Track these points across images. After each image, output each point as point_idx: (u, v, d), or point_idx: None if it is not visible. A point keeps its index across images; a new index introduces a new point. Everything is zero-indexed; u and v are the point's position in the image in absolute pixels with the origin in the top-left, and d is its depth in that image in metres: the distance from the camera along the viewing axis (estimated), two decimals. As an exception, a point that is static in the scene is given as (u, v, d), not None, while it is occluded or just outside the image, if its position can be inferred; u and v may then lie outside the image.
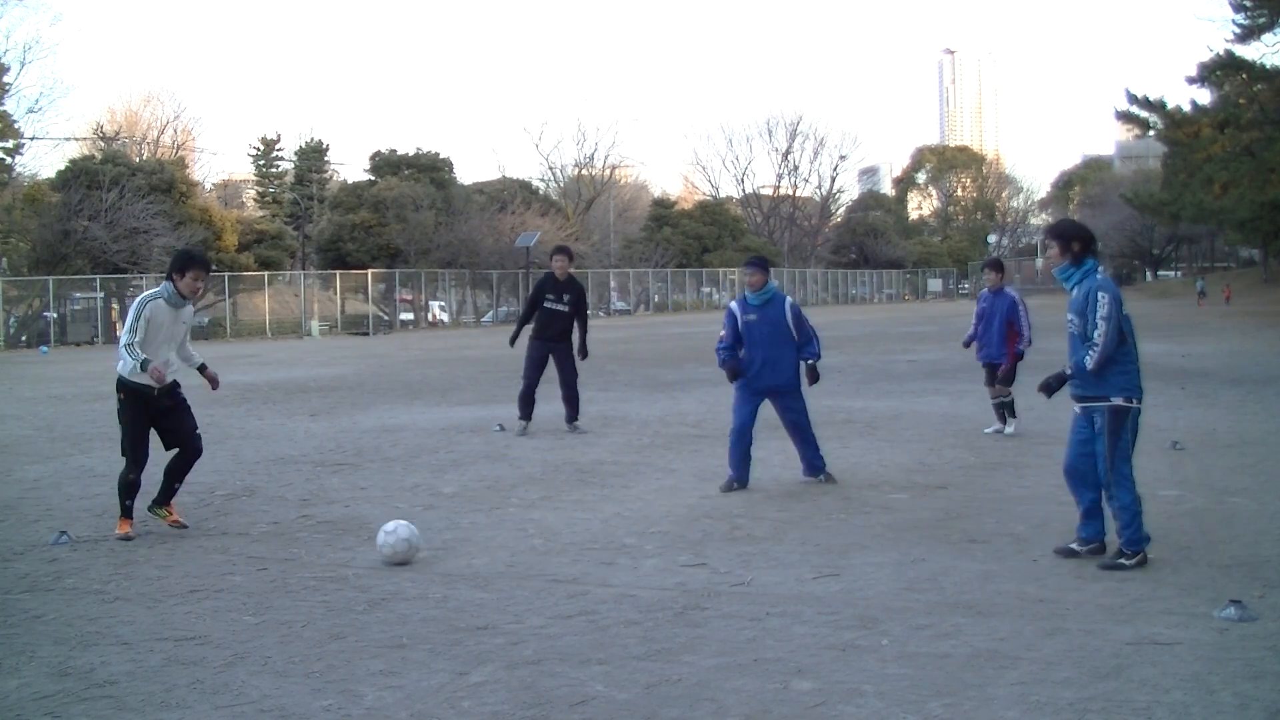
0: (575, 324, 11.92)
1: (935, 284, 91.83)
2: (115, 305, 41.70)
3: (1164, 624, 5.04)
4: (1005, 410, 11.11)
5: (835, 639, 4.94)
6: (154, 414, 7.32)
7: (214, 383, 7.71)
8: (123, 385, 7.22)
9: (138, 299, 7.34)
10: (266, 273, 46.00)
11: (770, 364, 8.43)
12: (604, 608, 5.48)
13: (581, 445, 10.95)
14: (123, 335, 7.23)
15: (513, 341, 12.21)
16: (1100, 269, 6.20)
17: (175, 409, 7.38)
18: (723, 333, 8.58)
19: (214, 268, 34.94)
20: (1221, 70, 36.87)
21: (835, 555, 6.44)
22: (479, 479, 9.19)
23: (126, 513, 7.24)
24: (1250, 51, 37.38)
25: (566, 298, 11.82)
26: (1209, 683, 4.32)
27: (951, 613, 5.28)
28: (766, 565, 6.25)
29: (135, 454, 7.25)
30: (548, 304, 11.82)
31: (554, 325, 11.83)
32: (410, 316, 52.24)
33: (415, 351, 29.64)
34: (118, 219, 39.97)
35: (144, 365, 7.03)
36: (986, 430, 11.21)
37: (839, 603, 5.51)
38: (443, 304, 55.11)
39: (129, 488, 7.22)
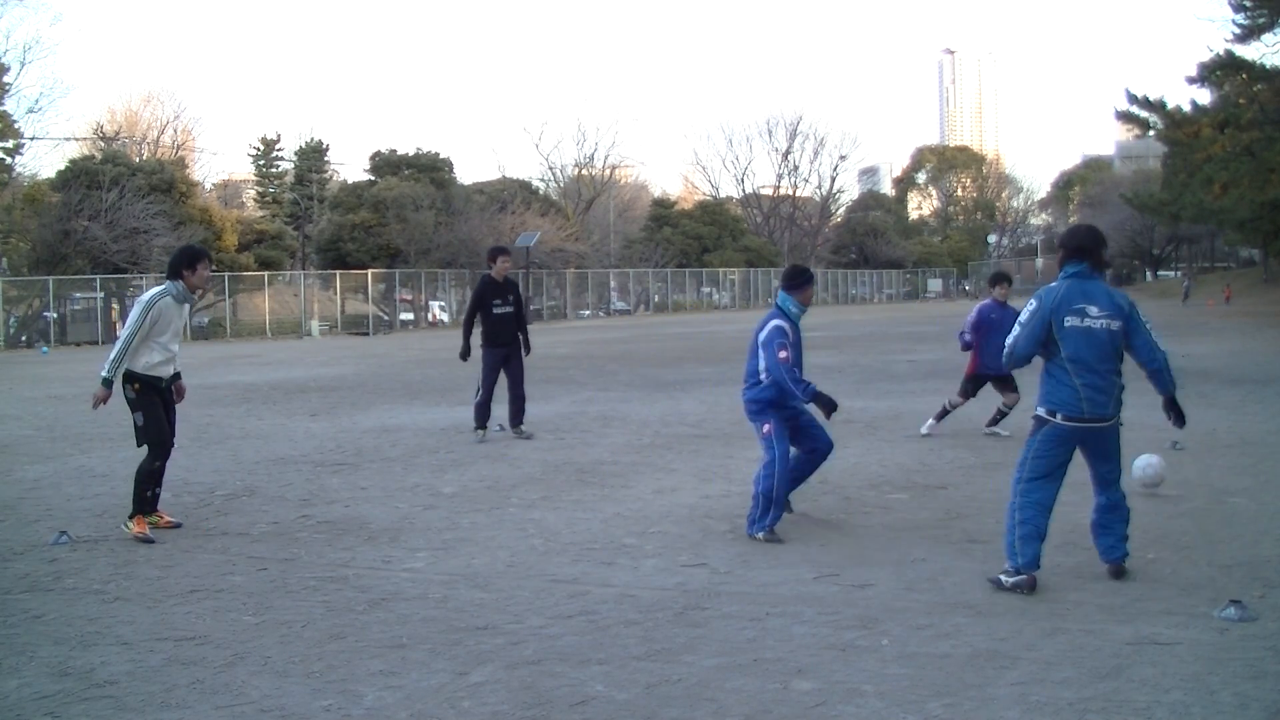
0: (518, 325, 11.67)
1: (935, 284, 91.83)
2: (115, 305, 41.68)
3: (1164, 624, 5.04)
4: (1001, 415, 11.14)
5: (835, 639, 4.94)
6: (162, 403, 7.40)
7: (180, 394, 7.66)
8: (134, 378, 7.26)
9: (145, 297, 7.35)
10: (266, 273, 46.00)
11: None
12: (604, 608, 5.48)
13: (581, 445, 10.96)
14: (124, 330, 7.25)
15: (466, 355, 11.61)
16: (1069, 274, 5.84)
17: (170, 404, 7.50)
18: (784, 354, 6.87)
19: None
20: (1221, 70, 36.84)
21: (835, 555, 6.44)
22: (479, 479, 9.19)
23: (144, 506, 7.23)
24: (1250, 51, 37.38)
25: (510, 299, 11.59)
26: (1209, 683, 4.32)
27: (951, 613, 5.29)
28: (766, 565, 6.25)
29: (161, 441, 7.29)
30: (495, 309, 11.50)
31: (505, 329, 11.54)
32: (410, 316, 52.23)
33: (415, 351, 29.64)
34: (118, 219, 39.96)
35: (105, 382, 7.14)
36: (923, 430, 11.21)
37: (839, 603, 5.51)
38: (443, 304, 55.08)
39: (153, 475, 7.25)
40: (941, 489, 8.38)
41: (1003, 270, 13.05)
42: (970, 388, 11.38)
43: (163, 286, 7.39)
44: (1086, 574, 5.89)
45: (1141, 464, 7.96)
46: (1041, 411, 5.77)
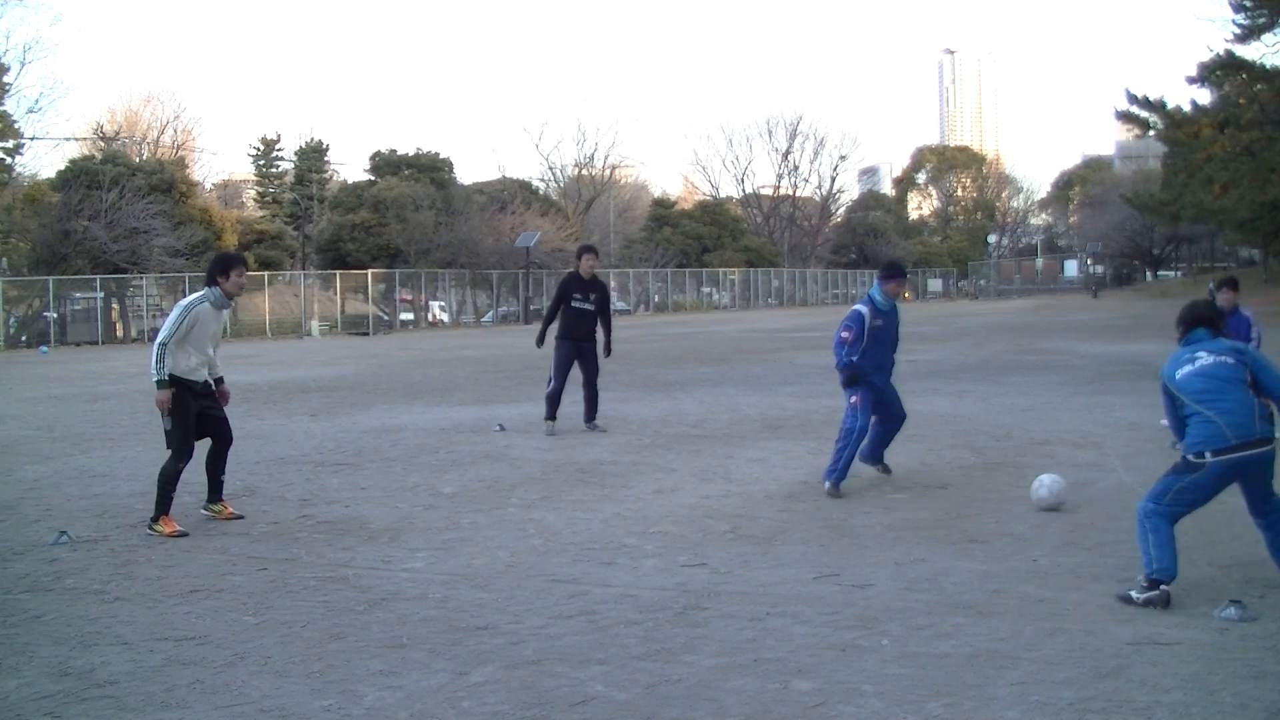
0: (599, 323, 12.03)
1: (935, 284, 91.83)
2: (115, 305, 41.68)
3: (1164, 624, 5.04)
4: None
5: (835, 639, 4.94)
6: (197, 407, 7.54)
7: (225, 399, 7.91)
8: (171, 380, 7.37)
9: (184, 302, 7.58)
10: (266, 273, 45.95)
11: (882, 368, 8.54)
12: (604, 608, 5.48)
13: (582, 445, 10.95)
14: (161, 332, 7.42)
15: (540, 342, 12.10)
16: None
17: (209, 398, 7.70)
18: (845, 334, 8.29)
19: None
20: (1221, 70, 36.90)
21: (835, 555, 6.44)
22: (479, 479, 9.19)
23: (167, 506, 7.36)
24: (1250, 51, 37.45)
25: (593, 296, 11.94)
26: (1209, 683, 4.32)
27: (951, 613, 5.29)
28: (766, 565, 6.24)
29: (186, 446, 7.44)
30: (575, 303, 11.87)
31: (582, 325, 11.90)
32: (410, 316, 52.21)
33: (415, 351, 29.63)
34: (118, 219, 39.94)
35: (160, 384, 7.29)
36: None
37: (839, 603, 5.51)
38: (443, 304, 55.07)
39: (174, 478, 7.38)
40: (941, 489, 8.38)
41: (1231, 277, 12.80)
42: None
43: (201, 293, 7.62)
44: (1086, 574, 5.89)
45: (1037, 486, 7.60)
46: (1189, 454, 5.57)
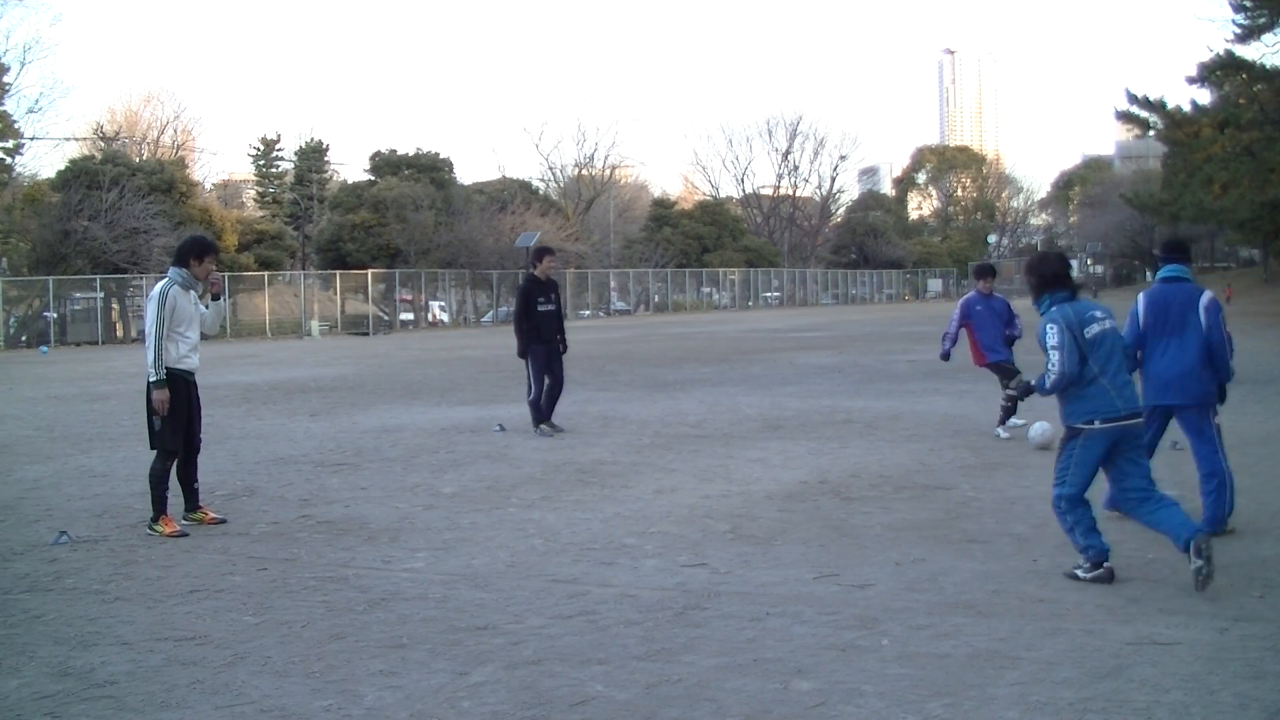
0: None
1: (935, 284, 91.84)
2: (115, 305, 41.68)
3: (1164, 624, 5.04)
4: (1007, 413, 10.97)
5: (835, 639, 4.94)
6: (187, 399, 7.47)
7: (217, 285, 7.97)
8: (167, 375, 7.32)
9: (155, 291, 7.40)
10: (266, 273, 45.97)
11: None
12: (604, 608, 5.48)
13: (582, 445, 10.95)
14: (149, 330, 7.28)
15: (525, 353, 11.87)
16: (1059, 304, 5.85)
17: (195, 399, 7.60)
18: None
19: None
20: (1221, 70, 36.86)
21: (835, 555, 6.44)
22: (479, 479, 9.18)
23: (164, 506, 7.33)
24: (1250, 51, 37.39)
25: (553, 296, 11.97)
26: (1209, 683, 4.32)
27: (951, 613, 5.29)
28: (766, 565, 6.24)
29: (174, 444, 7.37)
30: (540, 306, 11.83)
31: (551, 326, 11.89)
32: (410, 316, 52.22)
33: (415, 351, 29.63)
34: (118, 219, 39.96)
35: (158, 384, 7.21)
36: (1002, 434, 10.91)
37: (839, 603, 5.51)
38: (443, 304, 55.08)
39: (164, 477, 7.33)
40: (941, 489, 8.38)
41: (987, 263, 12.97)
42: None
43: (168, 276, 7.47)
44: (1086, 574, 5.88)
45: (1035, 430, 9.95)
46: (1075, 423, 5.93)
